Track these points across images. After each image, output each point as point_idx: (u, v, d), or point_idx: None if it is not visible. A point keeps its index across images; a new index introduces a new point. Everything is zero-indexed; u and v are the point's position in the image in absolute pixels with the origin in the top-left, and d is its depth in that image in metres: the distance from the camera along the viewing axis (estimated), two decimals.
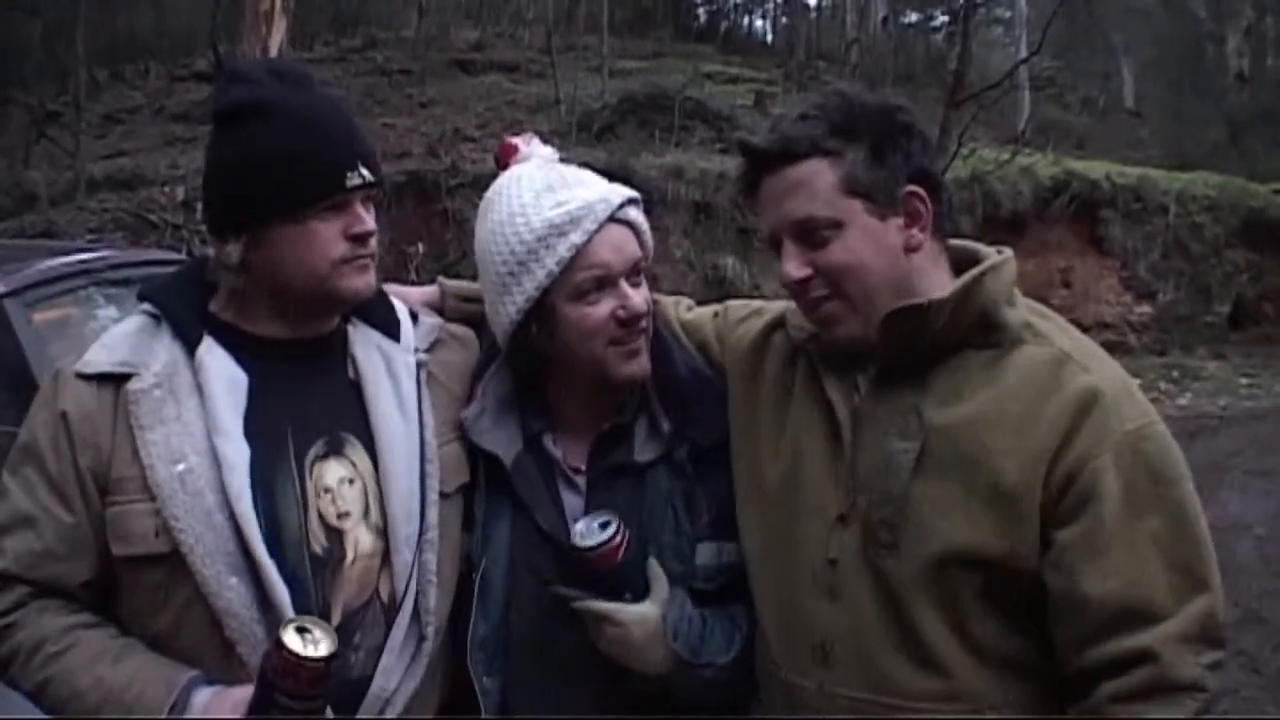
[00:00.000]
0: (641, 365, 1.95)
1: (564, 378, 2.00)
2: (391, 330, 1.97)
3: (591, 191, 1.93)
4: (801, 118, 1.74)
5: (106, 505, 1.77)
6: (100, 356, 1.83)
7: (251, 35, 13.25)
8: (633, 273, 1.94)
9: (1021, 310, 1.77)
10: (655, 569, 1.88)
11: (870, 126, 1.72)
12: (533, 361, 1.99)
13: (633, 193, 1.98)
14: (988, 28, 27.63)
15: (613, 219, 1.90)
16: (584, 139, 14.81)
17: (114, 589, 1.82)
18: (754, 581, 1.91)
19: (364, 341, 1.94)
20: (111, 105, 19.00)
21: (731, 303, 2.20)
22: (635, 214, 1.96)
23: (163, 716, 1.66)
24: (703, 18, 29.68)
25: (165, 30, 22.25)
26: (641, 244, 1.97)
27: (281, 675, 1.58)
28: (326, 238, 1.79)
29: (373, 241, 1.85)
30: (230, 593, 1.71)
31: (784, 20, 27.37)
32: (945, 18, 25.17)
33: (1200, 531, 1.63)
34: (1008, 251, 1.81)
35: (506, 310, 1.94)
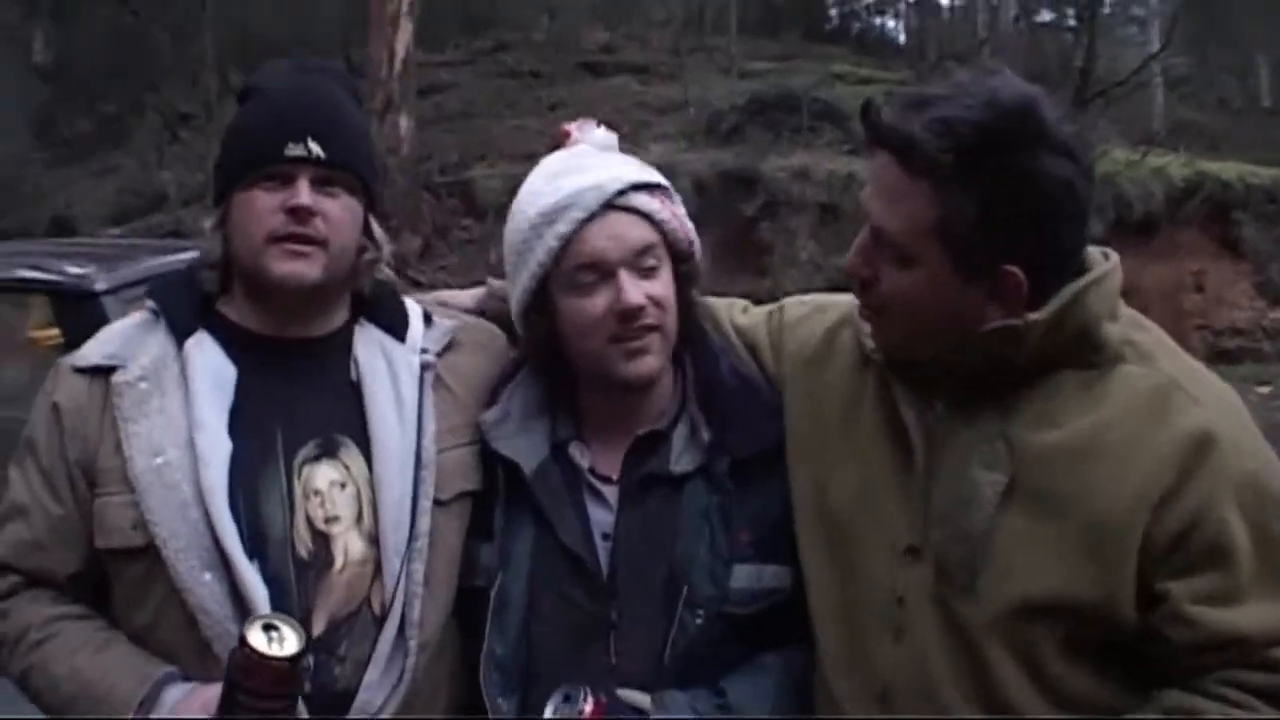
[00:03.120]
0: (647, 365, 2.01)
1: (590, 379, 2.08)
2: (398, 330, 2.12)
3: (587, 177, 2.02)
4: (939, 122, 1.67)
5: (95, 497, 1.97)
6: (93, 349, 2.05)
7: (378, 38, 15.17)
8: (637, 263, 2.00)
9: (1124, 325, 1.77)
10: (632, 695, 1.94)
11: (999, 177, 1.66)
12: (553, 360, 2.10)
13: (642, 177, 2.04)
14: (1121, 26, 28.51)
15: (613, 206, 1.99)
16: (711, 141, 16.30)
17: (105, 582, 2.01)
18: (814, 612, 1.96)
19: (367, 341, 2.10)
20: None
21: (788, 300, 2.22)
22: (644, 200, 2.01)
23: (131, 715, 1.84)
24: (834, 18, 31.40)
25: (299, 34, 24.30)
26: (663, 231, 2.03)
27: (245, 674, 1.72)
28: (264, 208, 1.96)
29: (318, 224, 1.97)
30: (203, 589, 1.88)
31: (915, 20, 29.10)
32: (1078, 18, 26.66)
33: None
34: (1114, 258, 1.80)
35: (513, 303, 2.12)
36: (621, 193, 2.01)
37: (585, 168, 2.06)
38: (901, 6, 31.04)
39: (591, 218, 1.99)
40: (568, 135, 2.18)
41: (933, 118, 1.67)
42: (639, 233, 2.01)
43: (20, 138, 24.67)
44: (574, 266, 2.00)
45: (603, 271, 1.99)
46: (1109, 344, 1.74)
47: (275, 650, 1.73)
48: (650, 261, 2.02)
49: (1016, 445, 1.73)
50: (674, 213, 2.06)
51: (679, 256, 2.07)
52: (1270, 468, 1.69)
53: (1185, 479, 1.64)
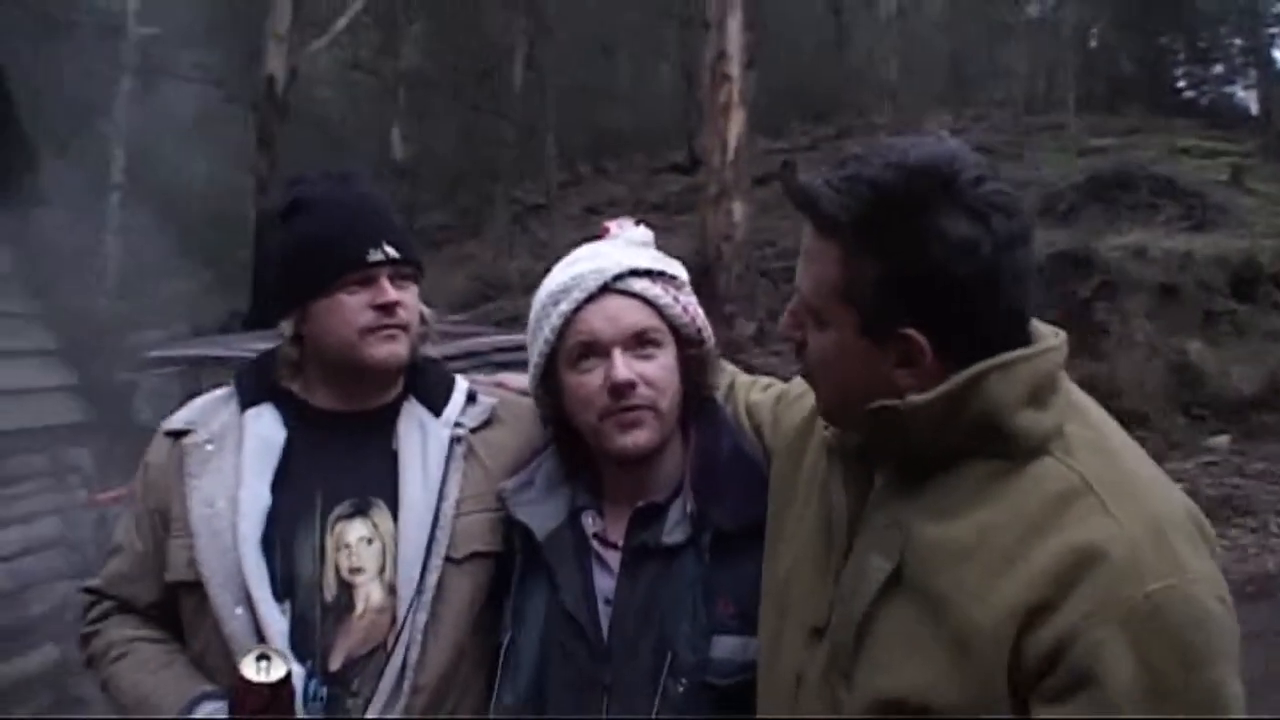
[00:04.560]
0: (638, 440, 2.22)
1: (599, 451, 2.30)
2: (437, 406, 2.50)
3: (594, 263, 2.27)
4: (849, 181, 1.72)
5: (168, 538, 2.41)
6: (179, 416, 2.52)
7: (710, 128, 16.33)
8: (633, 343, 2.23)
9: (1055, 413, 1.71)
10: None
11: (897, 237, 1.68)
12: (570, 433, 2.34)
13: (647, 265, 2.27)
14: None
15: (611, 289, 2.23)
16: (1048, 220, 16.66)
17: (178, 612, 2.43)
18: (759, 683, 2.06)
19: (409, 416, 2.49)
20: (592, 198, 23.20)
21: (796, 379, 2.25)
22: (644, 285, 2.24)
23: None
24: (1182, 89, 30.30)
25: (643, 126, 26.92)
26: (665, 317, 2.26)
27: (239, 697, 2.15)
28: (354, 308, 2.36)
29: (401, 312, 2.39)
30: (235, 621, 2.27)
31: (1266, 87, 27.64)
32: None
33: None
34: (1058, 339, 1.77)
35: (528, 379, 2.41)
36: (620, 277, 2.24)
37: (597, 255, 2.31)
38: (1253, 74, 29.87)
39: (591, 299, 2.24)
40: (607, 231, 2.44)
41: (840, 177, 1.73)
42: (635, 316, 2.24)
43: None
44: (574, 343, 2.25)
45: (599, 349, 2.23)
46: (1024, 435, 1.69)
47: (261, 677, 2.12)
48: (648, 343, 2.25)
49: (910, 534, 1.73)
50: (678, 299, 2.27)
51: (687, 342, 2.30)
52: (1177, 596, 1.55)
53: (1062, 595, 1.57)
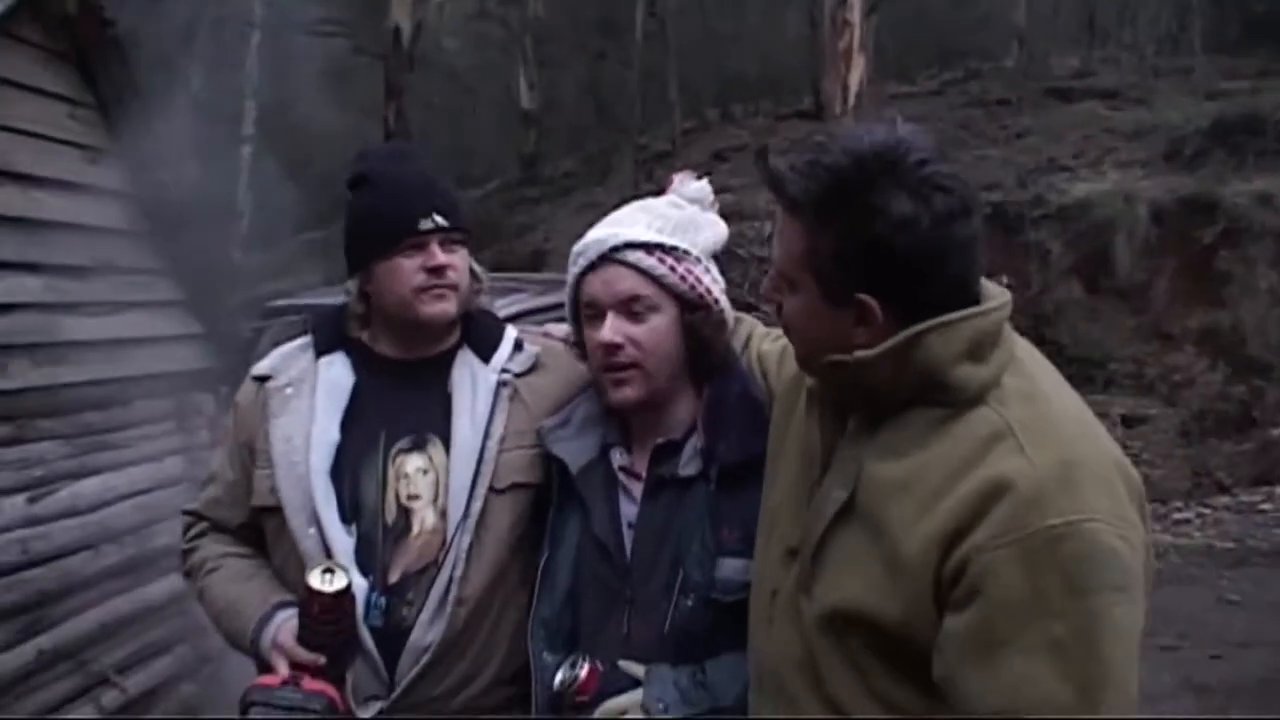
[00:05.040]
0: (624, 394, 2.54)
1: None
2: (486, 354, 2.82)
3: (602, 231, 2.55)
4: (809, 165, 1.97)
5: (254, 469, 2.78)
6: (263, 364, 2.88)
7: (832, 74, 16.58)
8: (624, 308, 2.50)
9: (993, 366, 1.94)
10: (630, 666, 2.45)
11: (849, 214, 1.92)
12: None
13: (646, 238, 2.52)
14: None
15: (608, 258, 2.51)
16: (1173, 166, 16.75)
17: (263, 532, 2.82)
18: None
19: (461, 363, 2.81)
20: (719, 144, 23.41)
21: None
22: (639, 257, 2.50)
23: (252, 626, 2.64)
24: None
25: (769, 72, 27.01)
26: (659, 283, 2.52)
27: (305, 604, 2.49)
28: (409, 270, 2.69)
29: (450, 273, 2.72)
30: (308, 541, 2.64)
31: None
32: None
33: (1116, 652, 1.75)
34: (993, 302, 1.99)
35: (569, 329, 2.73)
36: (617, 249, 2.52)
37: (613, 222, 2.61)
38: None
39: (592, 266, 2.55)
40: (670, 183, 2.74)
41: (803, 161, 1.98)
42: (628, 283, 2.52)
43: (508, 177, 28.22)
44: (582, 303, 2.60)
45: (597, 310, 2.55)
46: (962, 386, 1.92)
47: (325, 586, 2.46)
48: (639, 308, 2.53)
49: (863, 469, 1.99)
50: (675, 269, 2.52)
51: (690, 306, 2.56)
52: (1076, 531, 1.75)
53: (974, 522, 1.80)
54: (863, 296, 1.96)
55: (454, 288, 2.77)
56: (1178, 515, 11.71)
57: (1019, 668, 1.77)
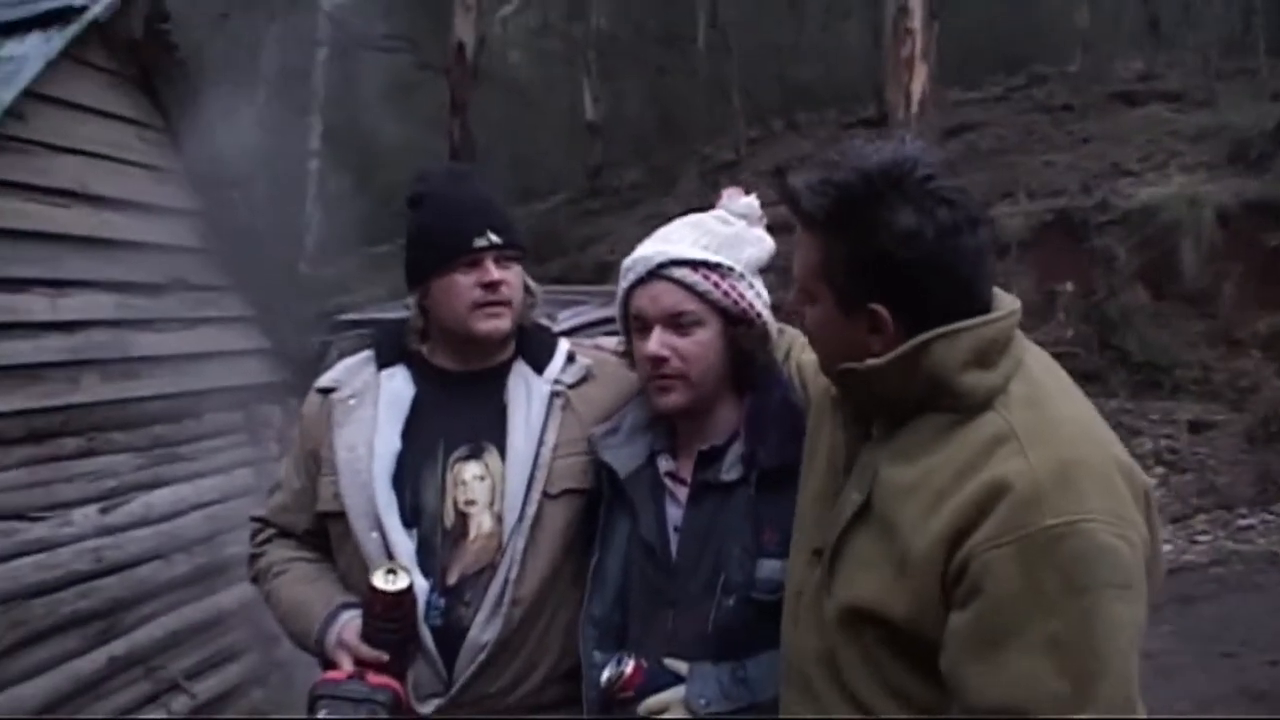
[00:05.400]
0: (669, 402, 2.65)
1: None
2: (540, 366, 2.92)
3: (650, 248, 2.65)
4: (821, 183, 2.07)
5: (319, 476, 2.90)
6: (327, 376, 3.01)
7: (895, 82, 16.57)
8: (671, 322, 2.61)
9: (1000, 373, 2.02)
10: (674, 664, 2.54)
11: (858, 228, 2.03)
12: None
13: (690, 255, 2.61)
14: None
15: (655, 274, 2.61)
16: (1238, 169, 16.32)
17: (328, 537, 2.92)
18: None
19: (516, 374, 2.91)
20: (784, 154, 22.97)
21: None
22: (684, 273, 2.59)
23: (317, 626, 2.74)
24: None
25: (834, 81, 26.87)
26: (703, 298, 2.61)
27: (369, 603, 2.61)
28: (464, 286, 2.80)
29: (503, 289, 2.82)
30: (370, 544, 2.74)
31: None
32: None
33: (1114, 648, 1.81)
34: (1002, 310, 2.07)
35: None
36: (663, 265, 2.60)
37: (661, 238, 2.69)
38: None
39: (641, 281, 2.64)
40: (718, 199, 2.81)
41: (817, 179, 2.07)
42: (672, 299, 2.60)
43: (574, 190, 28.39)
44: (631, 316, 2.70)
45: (645, 323, 2.65)
46: (968, 392, 2.00)
47: (387, 586, 2.57)
48: (685, 322, 2.61)
49: (878, 473, 2.08)
50: (719, 285, 2.61)
51: (733, 320, 2.64)
52: (1075, 530, 1.82)
53: (976, 522, 1.87)
54: (874, 306, 2.03)
55: (508, 304, 2.86)
56: (1242, 522, 11.56)
57: (1019, 664, 1.82)
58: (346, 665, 2.64)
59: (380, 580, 2.58)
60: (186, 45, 6.99)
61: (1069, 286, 15.30)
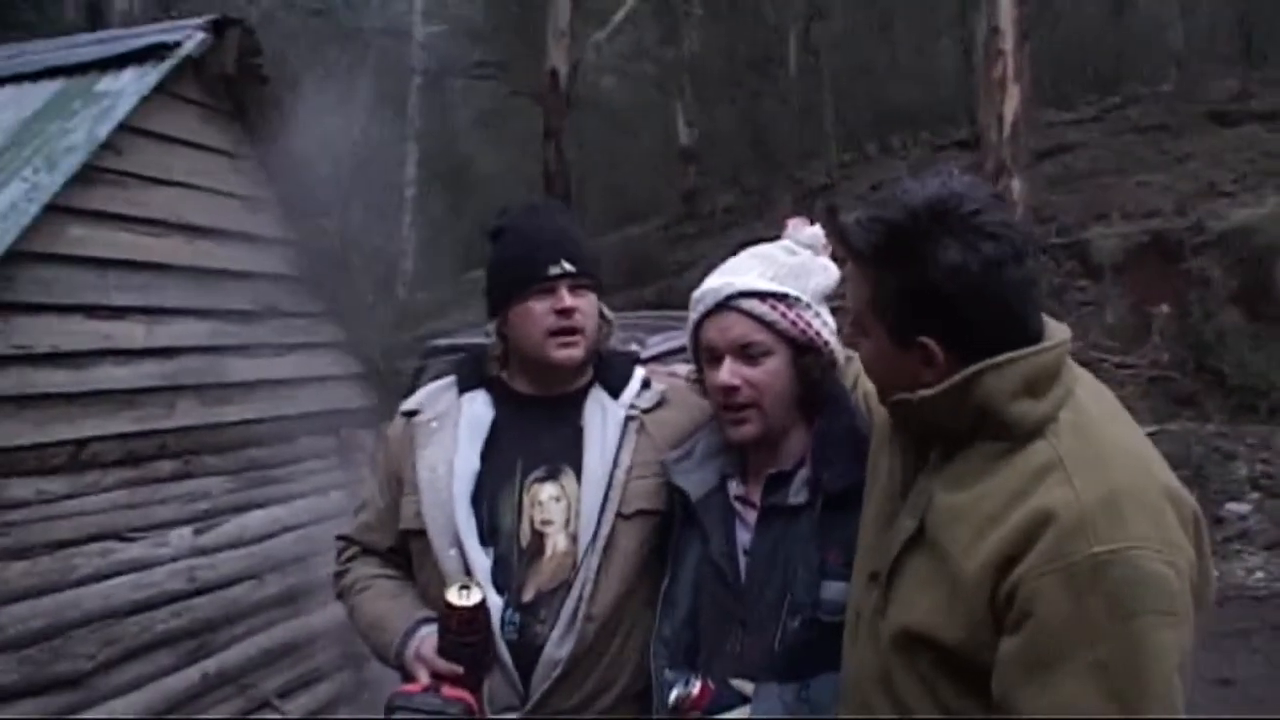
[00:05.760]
0: (741, 433, 2.71)
1: None
2: (616, 391, 3.01)
3: (720, 280, 2.69)
4: (870, 220, 2.13)
5: (401, 496, 2.99)
6: (411, 401, 3.12)
7: (986, 104, 16.24)
8: (741, 352, 2.66)
9: (1050, 401, 2.05)
10: (740, 684, 2.58)
11: (906, 263, 2.07)
12: None
13: (758, 286, 2.65)
14: None
15: (725, 306, 2.66)
16: None
17: (409, 555, 3.02)
18: None
19: (593, 399, 3.00)
20: (877, 176, 22.94)
21: None
22: (753, 304, 2.64)
23: (397, 640, 2.82)
24: None
25: (927, 102, 26.75)
26: (772, 328, 2.65)
27: (444, 618, 2.67)
28: (539, 313, 2.90)
29: (577, 316, 2.91)
30: (448, 561, 2.83)
31: None
32: None
33: (1157, 671, 1.85)
34: (1052, 340, 2.11)
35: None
36: (732, 297, 2.65)
37: (730, 270, 2.74)
38: None
39: (710, 313, 2.70)
40: (785, 228, 2.85)
41: (867, 216, 2.13)
42: (741, 329, 2.65)
43: (668, 214, 28.44)
44: (702, 346, 2.76)
45: (715, 354, 2.71)
46: (1017, 421, 2.03)
47: (461, 601, 2.64)
48: (754, 352, 2.67)
49: (933, 500, 2.12)
50: (786, 315, 2.65)
51: (801, 350, 2.68)
52: (1122, 558, 1.85)
53: (1024, 549, 1.90)
54: (924, 339, 2.08)
55: (580, 331, 2.94)
56: None
57: (1067, 689, 1.86)
58: (423, 678, 2.71)
59: (454, 596, 2.64)
60: (281, 76, 7.12)
61: (1164, 309, 15.19)
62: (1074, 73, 24.90)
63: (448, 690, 2.66)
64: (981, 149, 16.61)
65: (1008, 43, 15.92)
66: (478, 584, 2.71)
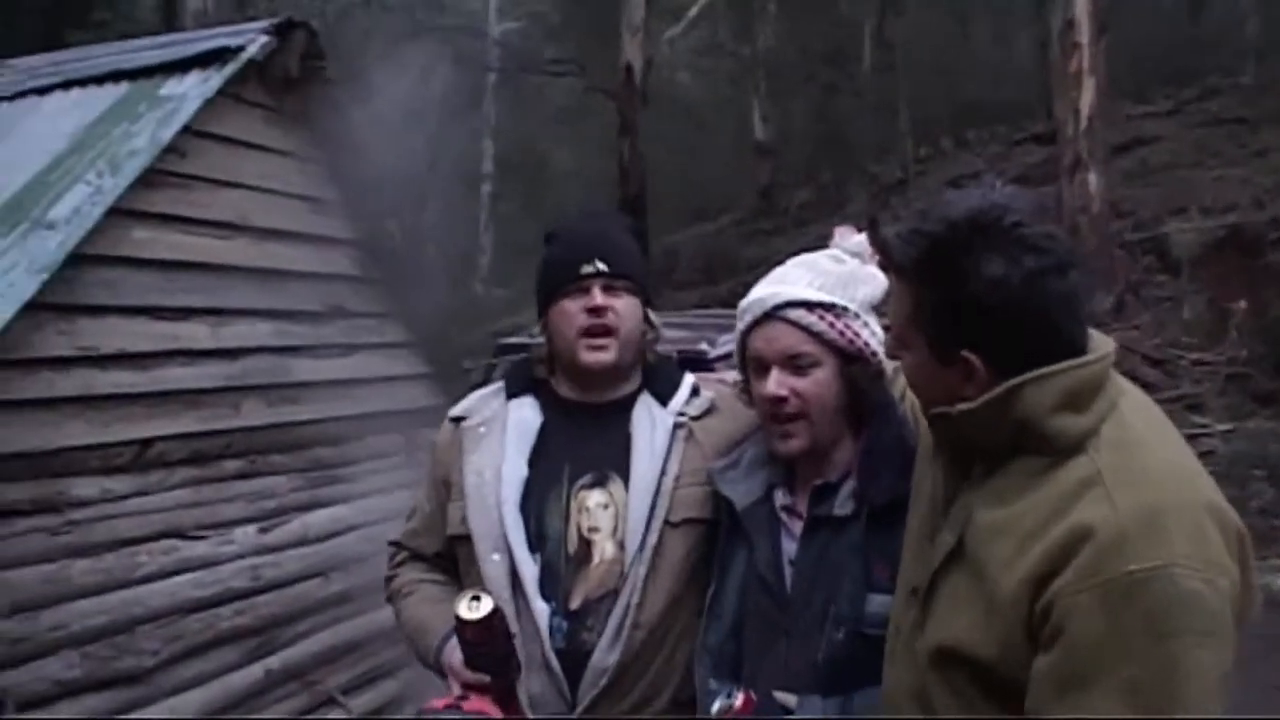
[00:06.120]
0: (789, 446, 2.68)
1: None
2: (665, 398, 2.98)
3: (766, 290, 2.67)
4: (910, 233, 2.11)
5: (449, 501, 2.99)
6: (459, 406, 3.11)
7: (1063, 98, 16.18)
8: (788, 362, 2.64)
9: (1092, 416, 2.02)
10: (783, 696, 2.57)
11: (946, 276, 2.05)
12: None
13: (806, 296, 2.62)
14: None
15: (772, 316, 2.64)
16: None
17: (456, 560, 3.02)
18: None
19: (642, 406, 2.98)
20: (953, 171, 22.64)
21: None
22: (800, 314, 2.61)
23: (436, 643, 2.82)
24: None
25: (1004, 97, 26.43)
26: (820, 338, 2.62)
27: (459, 631, 2.62)
28: (572, 312, 2.90)
29: (609, 315, 2.90)
30: (493, 567, 2.82)
31: None
32: None
33: (1191, 692, 1.82)
34: (1096, 353, 2.07)
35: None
36: (779, 307, 2.63)
37: (777, 279, 2.71)
38: None
39: (757, 323, 2.67)
40: (833, 236, 2.85)
41: (907, 229, 2.12)
42: (789, 340, 2.62)
43: (743, 210, 28.39)
44: (749, 356, 2.73)
45: (763, 364, 2.68)
46: (1058, 436, 2.01)
47: (470, 614, 2.57)
48: (802, 363, 2.64)
49: (972, 515, 2.10)
50: (834, 325, 2.62)
51: (849, 359, 2.66)
52: (1159, 576, 1.83)
53: (1061, 566, 1.89)
54: (965, 353, 2.05)
55: (613, 331, 2.91)
56: None
57: (1099, 707, 1.83)
58: (455, 688, 2.71)
59: (464, 609, 2.60)
60: (354, 74, 7.14)
61: (1242, 304, 14.78)
62: (1151, 65, 24.35)
63: (471, 704, 2.65)
64: (1058, 143, 16.52)
65: (1084, 35, 15.82)
66: (487, 593, 2.65)
